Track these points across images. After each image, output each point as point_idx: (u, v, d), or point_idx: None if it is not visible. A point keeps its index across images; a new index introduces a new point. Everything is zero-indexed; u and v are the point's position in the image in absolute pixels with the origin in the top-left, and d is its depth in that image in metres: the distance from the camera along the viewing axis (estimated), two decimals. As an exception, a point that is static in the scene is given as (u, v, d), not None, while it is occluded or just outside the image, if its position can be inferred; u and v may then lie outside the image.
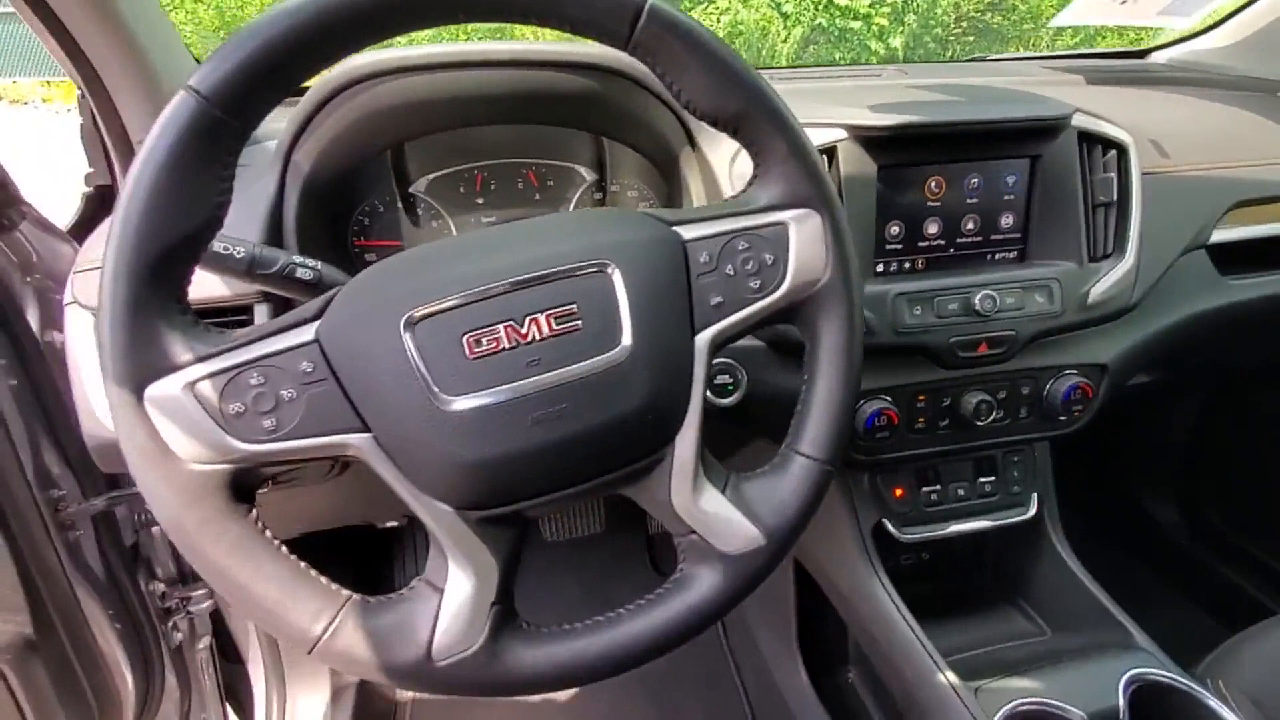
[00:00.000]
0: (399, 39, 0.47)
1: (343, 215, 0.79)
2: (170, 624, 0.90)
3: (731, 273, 0.48)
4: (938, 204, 0.78)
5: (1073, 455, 1.04)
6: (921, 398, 0.80)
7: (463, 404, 0.43)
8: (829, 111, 0.74)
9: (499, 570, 0.46)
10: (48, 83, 8.78)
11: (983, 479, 0.90)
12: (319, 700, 1.21)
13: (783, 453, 0.52)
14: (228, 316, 0.66)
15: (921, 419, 0.80)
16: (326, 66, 0.45)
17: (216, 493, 0.42)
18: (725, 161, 0.74)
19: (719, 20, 6.14)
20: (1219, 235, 0.89)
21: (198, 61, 0.82)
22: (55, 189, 1.01)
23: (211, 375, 0.41)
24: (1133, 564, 1.48)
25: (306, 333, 0.43)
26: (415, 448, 0.43)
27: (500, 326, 0.43)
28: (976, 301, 0.74)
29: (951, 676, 0.75)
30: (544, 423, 0.43)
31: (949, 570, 1.00)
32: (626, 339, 0.45)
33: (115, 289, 0.40)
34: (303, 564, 0.44)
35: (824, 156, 0.69)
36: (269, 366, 0.42)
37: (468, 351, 0.43)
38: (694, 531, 0.49)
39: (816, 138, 0.71)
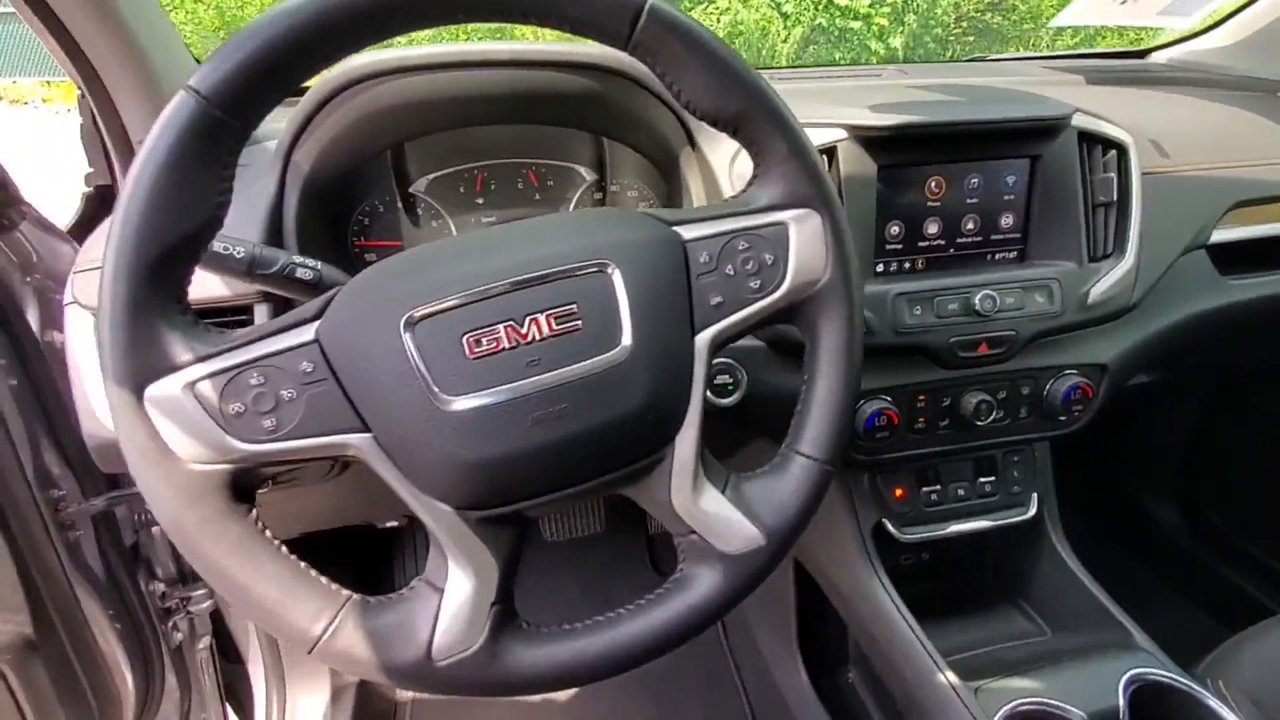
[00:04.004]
0: (399, 39, 0.47)
1: (343, 215, 0.79)
2: (170, 624, 0.90)
3: (731, 273, 0.48)
4: (938, 204, 0.78)
5: (1073, 455, 1.04)
6: (921, 398, 0.80)
7: (463, 404, 0.43)
8: (829, 111, 0.74)
9: (499, 570, 0.46)
10: (48, 83, 8.78)
11: (983, 479, 0.90)
12: (319, 700, 1.21)
13: (783, 453, 0.52)
14: (228, 316, 0.66)
15: (921, 419, 0.80)
16: (326, 66, 0.45)
17: (216, 493, 0.42)
18: (725, 161, 0.74)
19: (719, 20, 6.15)
20: (1219, 235, 0.89)
21: (198, 61, 0.82)
22: (55, 189, 1.01)
23: (211, 375, 0.41)
24: (1133, 564, 1.48)
25: (306, 333, 0.43)
26: (415, 448, 0.43)
27: (500, 326, 0.43)
28: (976, 301, 0.74)
29: (951, 676, 0.75)
30: (544, 423, 0.43)
31: (949, 570, 0.99)
32: (626, 339, 0.45)
33: (115, 289, 0.40)
34: (303, 564, 0.44)
35: (824, 156, 0.69)
36: (269, 366, 0.42)
37: (468, 351, 0.43)
38: (694, 531, 0.49)
39: (816, 138, 0.71)
